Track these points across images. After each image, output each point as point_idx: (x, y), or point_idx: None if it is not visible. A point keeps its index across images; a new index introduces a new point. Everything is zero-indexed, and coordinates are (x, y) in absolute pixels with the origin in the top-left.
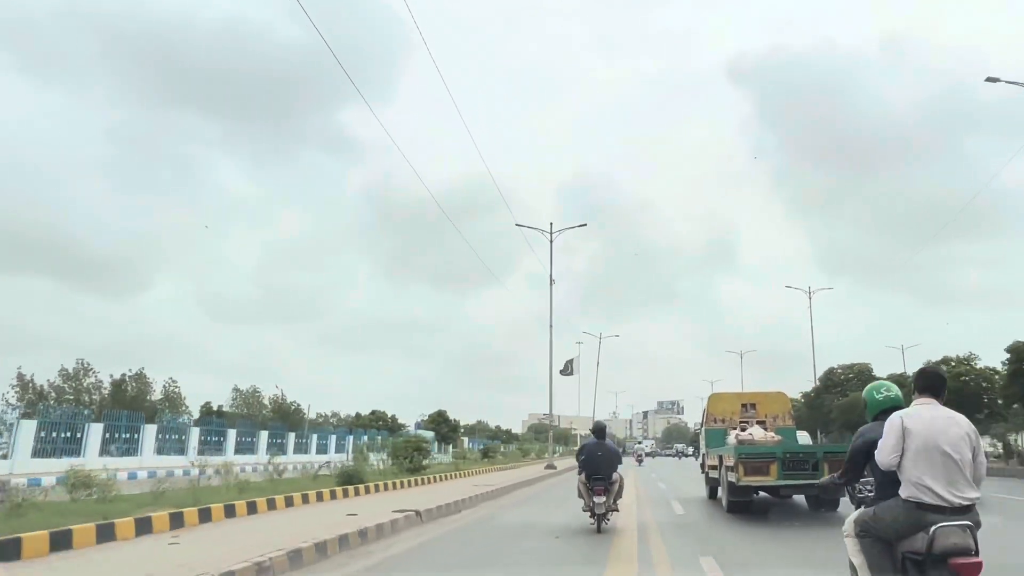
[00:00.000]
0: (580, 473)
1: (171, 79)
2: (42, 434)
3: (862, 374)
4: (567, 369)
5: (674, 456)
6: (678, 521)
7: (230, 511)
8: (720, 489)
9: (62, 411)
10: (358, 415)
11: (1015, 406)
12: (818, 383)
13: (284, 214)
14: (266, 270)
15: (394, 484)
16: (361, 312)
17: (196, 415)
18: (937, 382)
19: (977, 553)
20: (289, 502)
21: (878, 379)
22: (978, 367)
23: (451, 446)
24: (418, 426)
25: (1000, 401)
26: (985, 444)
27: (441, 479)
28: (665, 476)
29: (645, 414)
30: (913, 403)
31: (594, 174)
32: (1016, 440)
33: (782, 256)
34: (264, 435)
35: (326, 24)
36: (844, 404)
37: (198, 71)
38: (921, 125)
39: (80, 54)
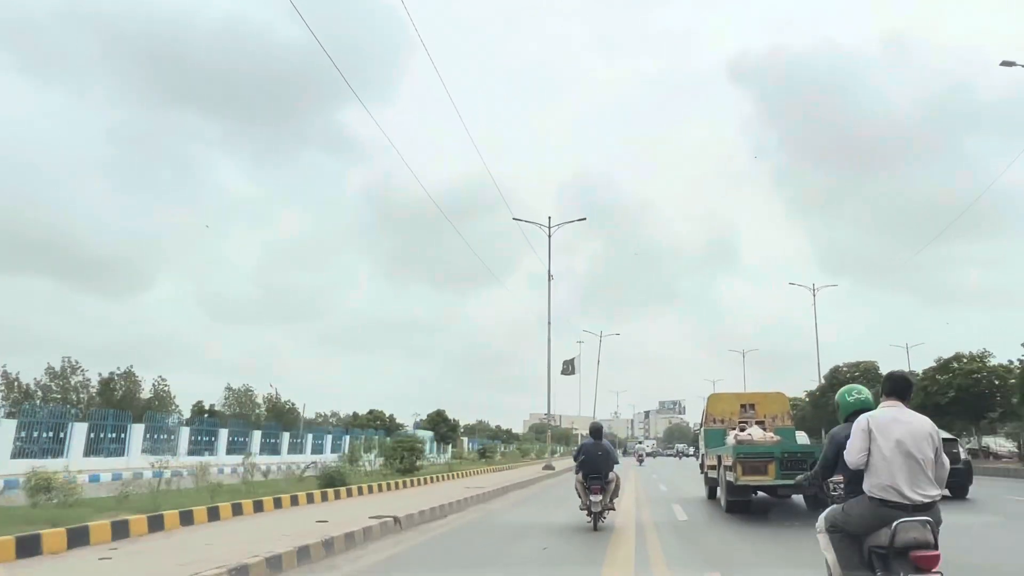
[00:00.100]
0: (577, 472)
1: (171, 79)
2: (23, 434)
3: (868, 372)
4: (567, 369)
5: (675, 456)
6: (677, 521)
7: (187, 518)
8: (719, 489)
9: (49, 410)
10: (355, 415)
11: None
12: (823, 381)
13: (284, 214)
14: (266, 270)
15: (380, 487)
16: (361, 312)
17: (188, 415)
18: (902, 386)
19: (936, 547)
20: (259, 507)
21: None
22: (990, 364)
23: (450, 446)
24: (416, 426)
25: (1015, 400)
26: (1000, 442)
27: (433, 481)
28: (665, 476)
29: (647, 414)
30: (880, 406)
31: (594, 174)
32: None
33: (783, 256)
34: (257, 435)
35: (327, 24)
36: None
37: (198, 71)
38: (922, 125)
39: (80, 54)
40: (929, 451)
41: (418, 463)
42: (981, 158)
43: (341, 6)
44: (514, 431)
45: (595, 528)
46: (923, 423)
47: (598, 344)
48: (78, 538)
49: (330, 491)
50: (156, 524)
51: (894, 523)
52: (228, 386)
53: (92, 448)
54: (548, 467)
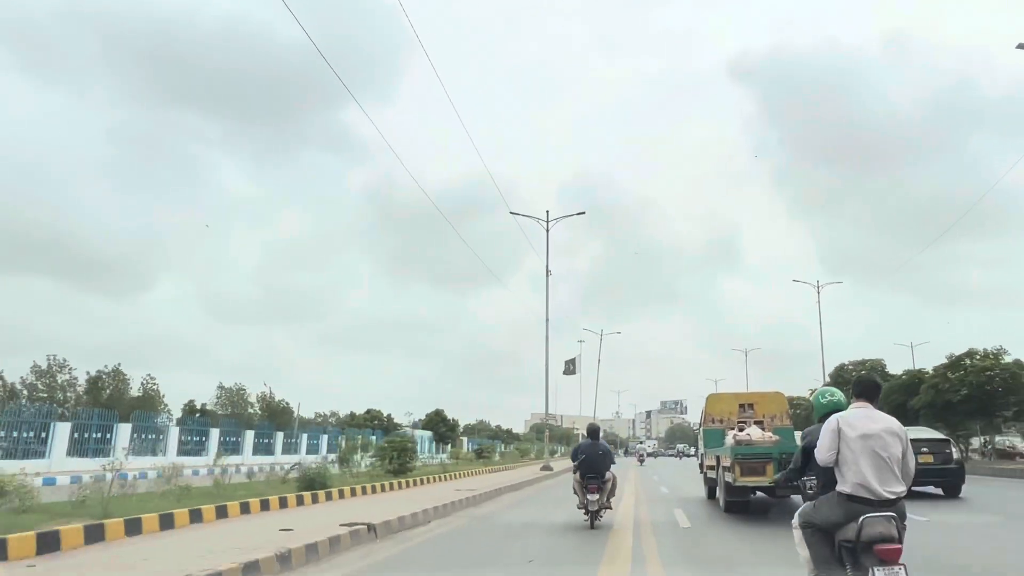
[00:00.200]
0: (576, 472)
1: (171, 79)
2: (2, 433)
3: (874, 371)
4: (569, 368)
5: (675, 456)
6: (675, 521)
7: (134, 527)
8: (718, 489)
9: (35, 409)
10: (352, 415)
11: None
12: (828, 380)
13: (285, 214)
14: (267, 270)
15: (366, 489)
16: (362, 312)
17: (179, 414)
18: (871, 388)
19: (900, 541)
20: (222, 512)
21: (891, 375)
22: (1004, 362)
23: (449, 446)
24: (414, 425)
25: None
26: (1016, 441)
27: (425, 482)
28: (666, 476)
29: (648, 414)
30: (850, 407)
31: (595, 174)
32: None
33: (784, 255)
34: (250, 435)
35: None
36: None
37: (198, 71)
38: (923, 123)
39: (80, 54)
40: (896, 450)
41: (411, 464)
42: (983, 157)
43: (341, 6)
44: (515, 431)
45: (592, 526)
46: (890, 423)
47: (599, 343)
48: None
49: (307, 495)
50: (95, 534)
51: (861, 518)
52: (220, 385)
53: (76, 448)
54: (546, 468)
